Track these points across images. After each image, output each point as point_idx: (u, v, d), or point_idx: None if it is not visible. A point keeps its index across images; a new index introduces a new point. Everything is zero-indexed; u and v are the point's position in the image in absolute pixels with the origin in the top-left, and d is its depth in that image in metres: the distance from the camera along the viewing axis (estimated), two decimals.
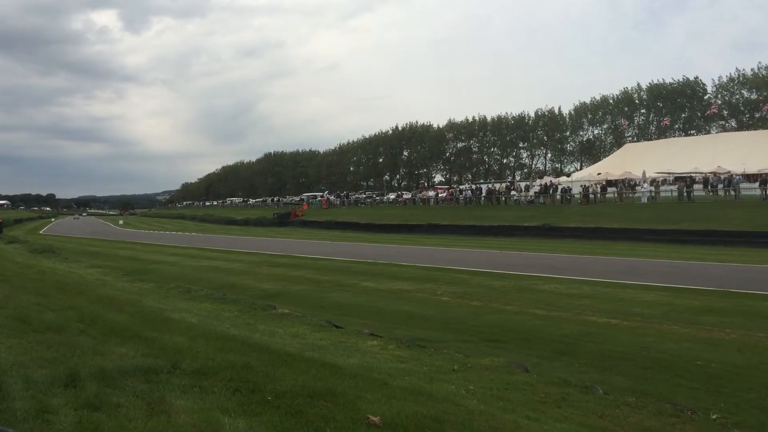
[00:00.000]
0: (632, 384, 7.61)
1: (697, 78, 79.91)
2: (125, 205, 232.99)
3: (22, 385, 4.88)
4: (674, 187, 45.96)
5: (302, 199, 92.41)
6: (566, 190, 50.80)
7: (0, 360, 5.70)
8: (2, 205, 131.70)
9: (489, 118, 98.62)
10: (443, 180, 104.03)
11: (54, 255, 26.11)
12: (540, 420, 5.53)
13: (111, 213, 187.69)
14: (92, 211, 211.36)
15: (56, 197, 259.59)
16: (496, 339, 10.36)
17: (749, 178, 46.35)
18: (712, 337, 10.08)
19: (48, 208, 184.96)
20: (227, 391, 5.11)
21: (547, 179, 61.84)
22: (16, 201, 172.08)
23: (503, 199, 55.94)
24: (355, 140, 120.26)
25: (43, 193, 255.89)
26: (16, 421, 4.03)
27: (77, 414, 4.31)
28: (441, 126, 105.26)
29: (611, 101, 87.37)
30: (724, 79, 76.61)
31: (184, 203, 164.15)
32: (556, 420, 5.65)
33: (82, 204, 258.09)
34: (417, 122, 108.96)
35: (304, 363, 6.62)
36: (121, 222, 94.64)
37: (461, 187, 73.52)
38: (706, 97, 78.95)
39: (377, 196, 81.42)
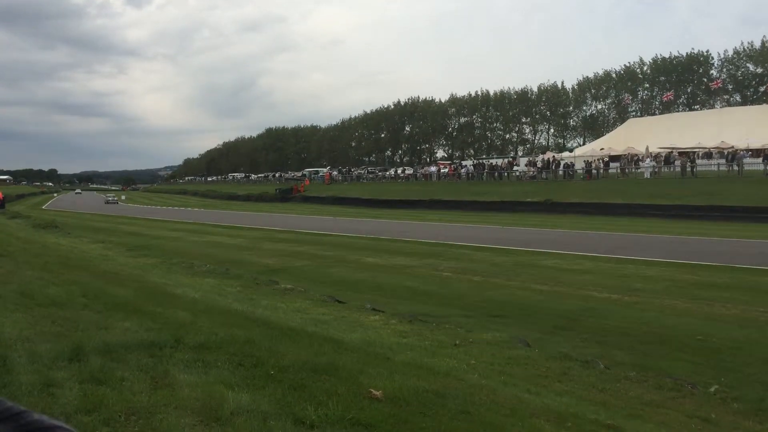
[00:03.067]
0: (633, 358, 7.65)
1: (706, 51, 79.08)
2: (127, 180, 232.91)
3: (27, 359, 4.92)
4: (677, 162, 45.76)
5: (304, 175, 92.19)
6: (569, 166, 50.64)
7: (5, 334, 5.74)
8: (4, 180, 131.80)
9: (492, 93, 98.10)
10: (445, 155, 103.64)
11: (57, 230, 26.19)
12: (541, 394, 5.57)
13: (113, 188, 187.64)
14: (94, 186, 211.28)
15: (58, 172, 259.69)
16: (497, 314, 10.40)
17: (753, 153, 46.10)
18: (713, 312, 10.11)
19: (50, 184, 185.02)
20: (230, 365, 5.15)
21: (549, 155, 61.58)
22: (18, 176, 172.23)
23: (505, 174, 55.79)
24: (357, 115, 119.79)
25: (45, 169, 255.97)
26: (21, 394, 4.07)
27: (82, 388, 4.35)
28: (443, 101, 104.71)
29: (614, 76, 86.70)
30: (730, 53, 75.94)
31: (186, 179, 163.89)
32: (557, 394, 5.69)
33: (84, 179, 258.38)
34: (419, 97, 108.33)
35: (307, 338, 6.66)
36: (123, 197, 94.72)
37: (463, 162, 73.26)
38: (711, 72, 78.25)
39: (379, 171, 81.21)
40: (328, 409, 4.15)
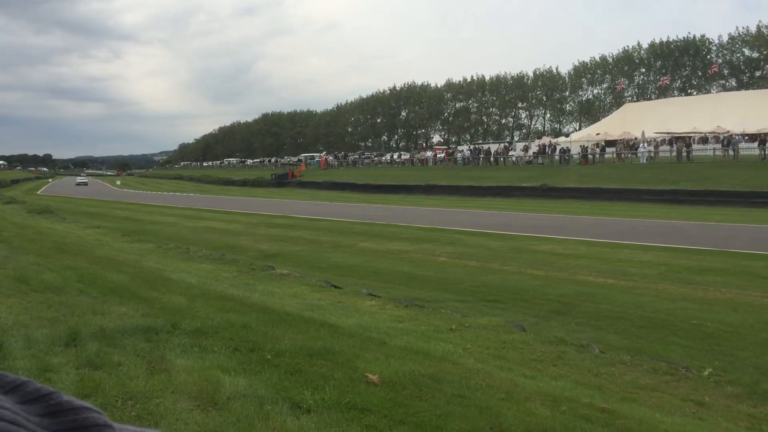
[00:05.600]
0: (628, 343, 7.69)
1: (703, 36, 78.80)
2: (122, 165, 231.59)
3: (23, 344, 4.92)
4: (673, 147, 45.78)
5: (300, 160, 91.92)
6: (565, 151, 50.57)
7: (0, 320, 5.73)
8: None
9: (488, 78, 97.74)
10: (441, 140, 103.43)
11: (52, 215, 26.09)
12: (536, 378, 5.59)
13: (108, 173, 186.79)
14: (90, 171, 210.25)
15: (53, 157, 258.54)
16: (493, 299, 10.43)
17: (749, 137, 46.10)
18: (708, 297, 10.16)
19: (45, 169, 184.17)
20: (227, 350, 5.15)
21: (545, 139, 61.48)
22: (12, 161, 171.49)
23: (501, 159, 55.73)
24: (353, 100, 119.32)
25: (40, 154, 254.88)
26: None
27: (78, 373, 4.35)
28: (439, 86, 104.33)
29: (610, 60, 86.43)
30: (725, 39, 75.72)
31: (182, 164, 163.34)
32: (552, 378, 5.72)
33: (79, 164, 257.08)
34: (415, 82, 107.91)
35: (303, 323, 6.67)
36: (118, 183, 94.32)
37: (459, 147, 73.12)
38: (709, 56, 78.01)
39: (375, 156, 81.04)
40: (324, 393, 4.16)
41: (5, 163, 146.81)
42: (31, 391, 0.52)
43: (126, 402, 3.86)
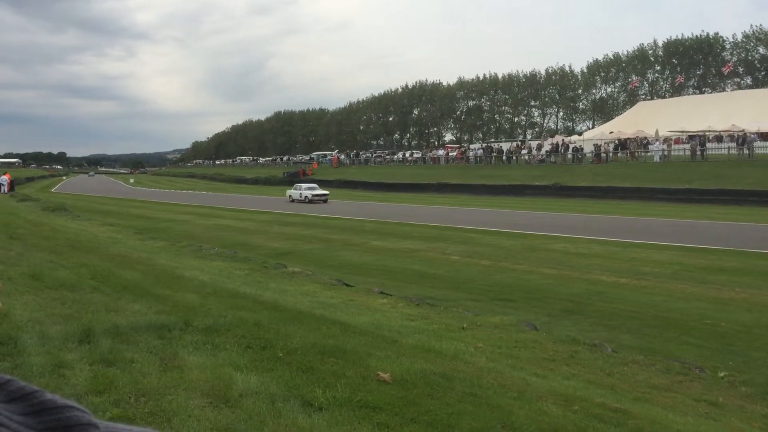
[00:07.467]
0: (641, 342, 7.65)
1: (716, 34, 78.16)
2: (136, 163, 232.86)
3: (37, 340, 4.96)
4: (687, 146, 45.41)
5: (312, 158, 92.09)
6: (578, 149, 50.29)
7: (16, 316, 5.78)
8: (13, 163, 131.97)
9: (500, 76, 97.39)
10: (454, 139, 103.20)
11: (66, 213, 26.27)
12: (548, 377, 5.57)
13: (122, 171, 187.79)
14: (104, 169, 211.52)
15: (67, 155, 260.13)
16: (505, 298, 10.40)
17: (763, 136, 45.63)
18: (722, 296, 10.08)
19: (59, 167, 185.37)
20: (239, 347, 5.17)
21: (558, 138, 61.18)
22: (27, 159, 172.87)
23: (514, 158, 55.54)
24: (365, 99, 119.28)
25: (54, 152, 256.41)
26: (33, 375, 4.10)
27: (92, 369, 4.38)
28: (451, 84, 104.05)
29: (624, 58, 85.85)
30: (740, 37, 74.99)
31: (195, 162, 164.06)
32: (564, 377, 5.70)
33: (93, 162, 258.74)
34: (427, 80, 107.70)
35: (315, 321, 6.68)
36: (132, 181, 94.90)
37: (472, 146, 72.92)
38: (723, 54, 77.31)
39: (387, 155, 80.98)
40: (336, 391, 4.17)
41: (20, 161, 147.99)
42: (14, 389, 0.53)
43: (139, 398, 3.89)
